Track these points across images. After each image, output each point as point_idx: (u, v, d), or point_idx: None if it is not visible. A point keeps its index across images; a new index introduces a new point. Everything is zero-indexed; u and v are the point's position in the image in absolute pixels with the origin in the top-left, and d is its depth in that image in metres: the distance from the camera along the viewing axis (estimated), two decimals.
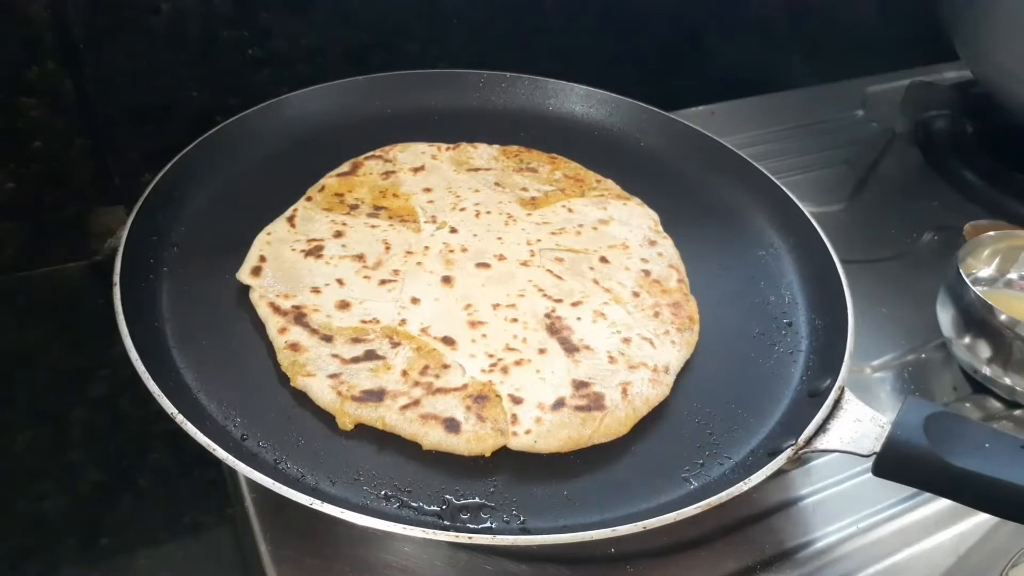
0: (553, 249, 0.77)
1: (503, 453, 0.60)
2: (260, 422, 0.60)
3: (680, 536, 0.60)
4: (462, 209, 0.80)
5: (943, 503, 0.64)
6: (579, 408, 0.61)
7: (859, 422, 0.58)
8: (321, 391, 0.61)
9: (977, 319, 0.73)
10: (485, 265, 0.74)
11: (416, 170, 0.85)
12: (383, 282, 0.71)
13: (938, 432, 0.54)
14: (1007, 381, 0.73)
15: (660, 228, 0.81)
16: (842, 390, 0.61)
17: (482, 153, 0.89)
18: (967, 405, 0.76)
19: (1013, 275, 0.80)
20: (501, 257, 0.75)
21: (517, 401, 0.62)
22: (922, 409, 0.55)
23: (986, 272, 0.80)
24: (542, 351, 0.66)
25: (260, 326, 0.67)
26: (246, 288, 0.69)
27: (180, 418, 0.55)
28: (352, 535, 0.59)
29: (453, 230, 0.77)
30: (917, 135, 1.11)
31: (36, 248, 0.91)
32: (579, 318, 0.69)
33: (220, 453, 0.54)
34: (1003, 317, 0.71)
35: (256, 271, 0.70)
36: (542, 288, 0.72)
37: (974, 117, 1.11)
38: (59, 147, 0.87)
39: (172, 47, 0.87)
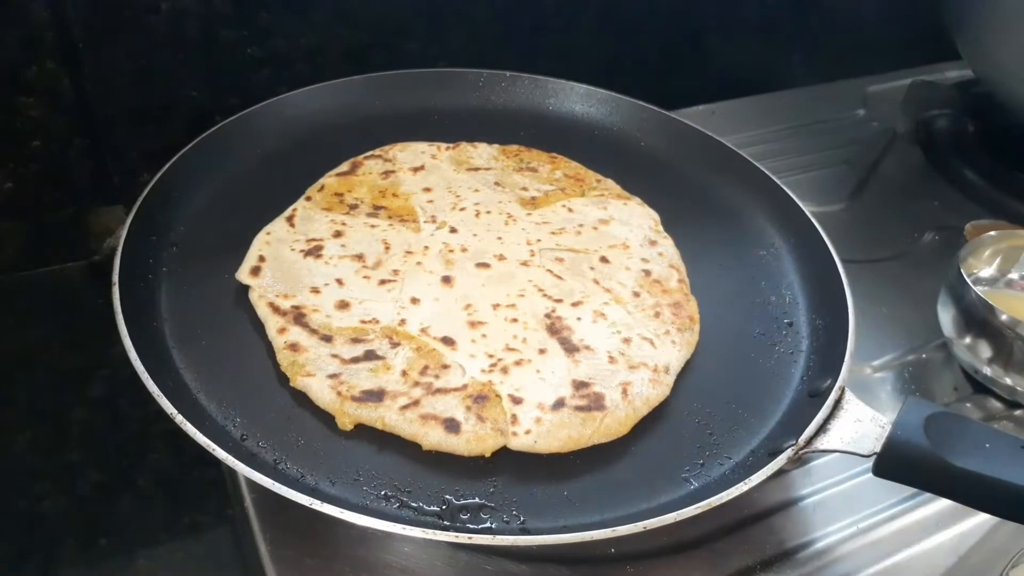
0: (553, 249, 0.77)
1: (503, 453, 0.60)
2: (260, 422, 0.60)
3: (680, 536, 0.60)
4: (462, 209, 0.80)
5: (943, 503, 0.64)
6: (579, 408, 0.61)
7: (859, 422, 0.58)
8: (321, 391, 0.61)
9: (978, 319, 0.73)
10: (485, 265, 0.74)
11: (416, 170, 0.84)
12: (383, 282, 0.71)
13: (938, 432, 0.54)
14: (1008, 381, 0.73)
15: (660, 228, 0.81)
16: (842, 390, 0.61)
17: (482, 153, 0.89)
18: (968, 405, 0.76)
19: (1014, 275, 0.80)
20: (501, 257, 0.75)
21: (517, 401, 0.62)
22: (922, 409, 0.55)
23: (987, 272, 0.80)
24: (542, 351, 0.66)
25: (260, 326, 0.67)
26: (245, 288, 0.69)
27: (180, 418, 0.55)
28: (352, 535, 0.58)
29: (453, 230, 0.77)
30: (918, 135, 1.10)
31: (35, 248, 0.91)
32: (579, 318, 0.69)
33: (220, 453, 0.54)
34: (1004, 317, 0.71)
35: (255, 271, 0.70)
36: (542, 288, 0.72)
37: (975, 117, 1.11)
38: (58, 147, 0.87)
39: (172, 47, 0.87)
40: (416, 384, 0.62)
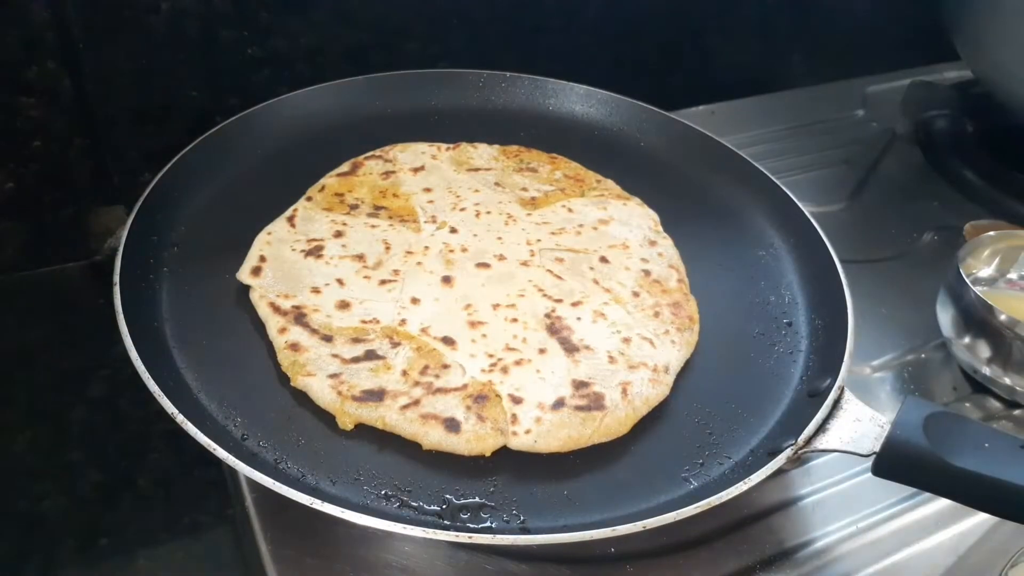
0: (553, 249, 0.77)
1: (503, 453, 0.60)
2: (260, 422, 0.60)
3: (680, 536, 0.60)
4: (462, 209, 0.80)
5: (943, 503, 0.64)
6: (579, 408, 0.61)
7: (859, 422, 0.58)
8: (321, 391, 0.61)
9: (977, 319, 0.73)
10: (485, 265, 0.74)
11: (416, 170, 0.85)
12: (383, 282, 0.71)
13: (938, 432, 0.54)
14: (1007, 381, 0.73)
15: (660, 228, 0.82)
16: (842, 390, 0.61)
17: (482, 153, 0.89)
18: (967, 405, 0.76)
19: (1013, 275, 0.80)
20: (501, 257, 0.75)
21: (517, 401, 0.62)
22: (922, 409, 0.55)
23: (986, 272, 0.80)
24: (542, 351, 0.66)
25: (260, 326, 0.67)
26: (246, 288, 0.69)
27: (180, 418, 0.55)
28: (352, 535, 0.59)
29: (453, 230, 0.77)
30: (917, 135, 1.11)
31: (36, 248, 0.91)
32: (579, 318, 0.69)
33: (220, 453, 0.54)
34: (1003, 317, 0.71)
35: (256, 271, 0.70)
36: (542, 288, 0.72)
37: (974, 117, 1.11)
38: (58, 147, 0.87)
39: (172, 47, 0.87)
40: (416, 384, 0.62)
